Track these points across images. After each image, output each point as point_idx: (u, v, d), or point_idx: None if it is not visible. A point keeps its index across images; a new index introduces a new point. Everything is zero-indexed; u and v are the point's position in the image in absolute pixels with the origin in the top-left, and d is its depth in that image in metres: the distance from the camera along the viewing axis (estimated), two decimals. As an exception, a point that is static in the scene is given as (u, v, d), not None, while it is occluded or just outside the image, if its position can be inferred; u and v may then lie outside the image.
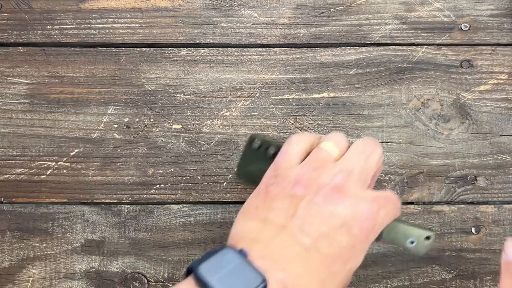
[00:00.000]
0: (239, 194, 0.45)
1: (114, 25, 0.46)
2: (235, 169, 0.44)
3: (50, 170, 0.45)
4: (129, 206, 0.45)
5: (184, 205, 0.45)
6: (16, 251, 0.45)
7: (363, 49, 0.46)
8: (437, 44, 0.46)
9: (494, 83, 0.46)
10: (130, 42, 0.46)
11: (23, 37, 0.46)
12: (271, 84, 0.46)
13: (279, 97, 0.46)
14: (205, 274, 0.28)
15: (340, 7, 0.46)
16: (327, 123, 0.46)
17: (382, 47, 0.46)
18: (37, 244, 0.45)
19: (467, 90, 0.46)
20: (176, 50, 0.46)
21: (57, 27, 0.46)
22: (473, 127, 0.46)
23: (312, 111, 0.46)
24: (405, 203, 0.45)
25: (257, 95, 0.46)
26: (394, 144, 0.46)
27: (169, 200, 0.45)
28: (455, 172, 0.46)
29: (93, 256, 0.45)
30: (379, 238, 0.34)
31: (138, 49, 0.46)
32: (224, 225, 0.45)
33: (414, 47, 0.46)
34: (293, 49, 0.46)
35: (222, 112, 0.46)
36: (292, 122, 0.46)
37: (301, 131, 0.42)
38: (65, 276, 0.45)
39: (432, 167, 0.46)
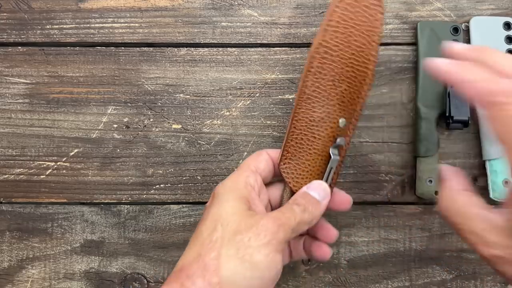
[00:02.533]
0: (239, 194, 0.45)
1: (113, 24, 0.46)
2: None
3: (50, 170, 0.45)
4: (128, 206, 0.45)
5: (184, 205, 0.45)
6: (16, 252, 0.45)
7: (364, 48, 0.46)
8: (438, 44, 0.46)
9: (495, 83, 0.46)
10: (129, 41, 0.46)
11: (22, 36, 0.46)
12: (271, 84, 0.46)
13: (279, 97, 0.46)
14: None
15: (341, 7, 0.46)
16: (328, 123, 0.45)
17: (382, 47, 0.46)
18: (36, 245, 0.45)
19: (468, 90, 0.46)
20: (176, 49, 0.46)
21: (57, 26, 0.46)
22: (474, 127, 0.45)
23: (312, 111, 0.45)
24: (406, 203, 0.45)
25: (257, 95, 0.46)
26: (395, 144, 0.45)
27: (169, 200, 0.45)
28: (456, 172, 0.45)
29: (93, 257, 0.45)
30: None
31: (137, 48, 0.46)
32: (224, 225, 0.45)
33: (415, 47, 0.46)
34: (293, 48, 0.46)
35: (222, 112, 0.46)
36: (292, 122, 0.46)
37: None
38: (65, 277, 0.45)
39: (432, 167, 0.45)
